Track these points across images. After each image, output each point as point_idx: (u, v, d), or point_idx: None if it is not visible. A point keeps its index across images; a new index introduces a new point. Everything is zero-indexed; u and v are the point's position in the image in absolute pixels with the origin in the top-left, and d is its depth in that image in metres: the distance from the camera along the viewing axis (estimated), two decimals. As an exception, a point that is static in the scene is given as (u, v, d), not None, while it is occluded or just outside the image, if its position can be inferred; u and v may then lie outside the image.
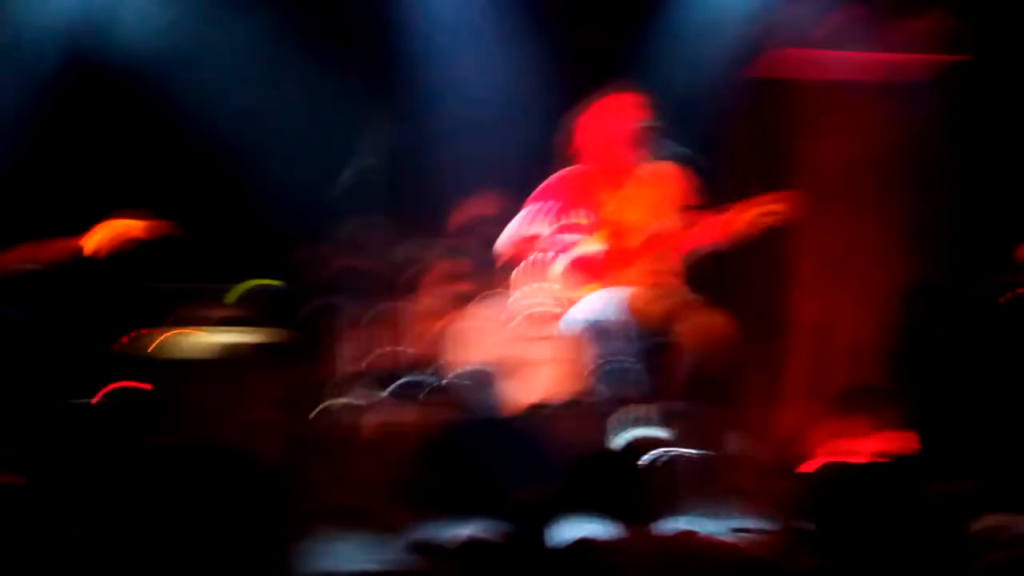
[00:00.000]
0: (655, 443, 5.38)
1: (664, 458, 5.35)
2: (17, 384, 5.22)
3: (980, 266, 7.42)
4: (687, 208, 5.42)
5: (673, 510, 5.13)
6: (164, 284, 6.14)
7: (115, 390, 5.91)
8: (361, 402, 6.86)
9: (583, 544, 3.16)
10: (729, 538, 4.43)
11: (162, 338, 6.06)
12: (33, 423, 5.28)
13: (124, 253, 5.68)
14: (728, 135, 7.78)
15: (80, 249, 5.33)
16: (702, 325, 5.27)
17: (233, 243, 7.17)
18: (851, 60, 7.80)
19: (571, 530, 4.97)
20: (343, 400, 6.90)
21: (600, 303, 5.43)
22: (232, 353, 6.13)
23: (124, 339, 6.05)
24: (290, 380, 6.26)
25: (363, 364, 7.07)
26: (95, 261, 5.95)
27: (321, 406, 6.78)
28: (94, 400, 5.92)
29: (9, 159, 6.35)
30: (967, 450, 6.44)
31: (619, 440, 5.46)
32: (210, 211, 7.34)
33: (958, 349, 7.00)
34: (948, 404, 6.74)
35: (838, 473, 3.15)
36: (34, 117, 6.81)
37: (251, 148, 7.13)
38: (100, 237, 5.33)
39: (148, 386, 5.91)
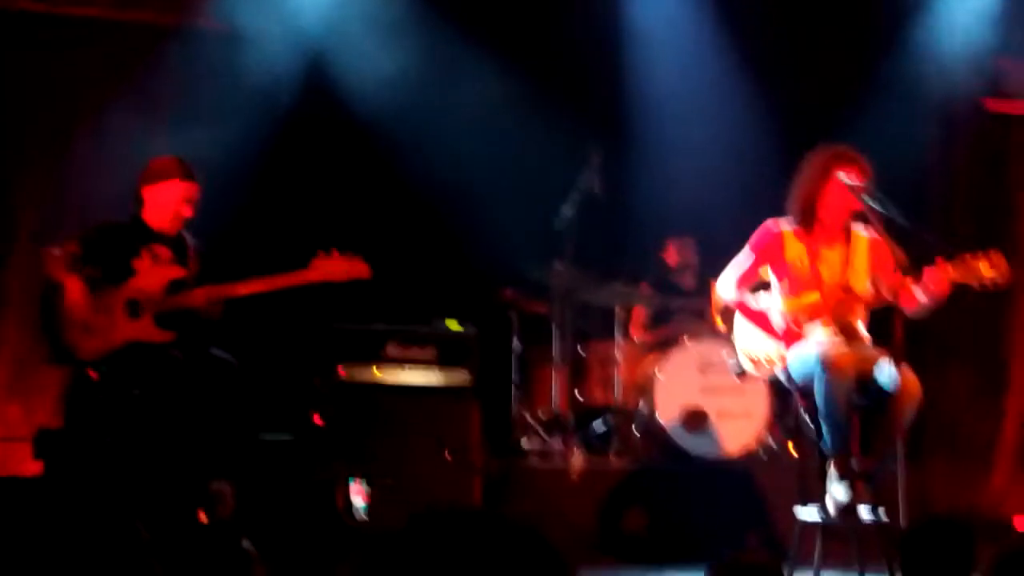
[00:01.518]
0: (856, 503, 5.21)
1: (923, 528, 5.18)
2: (225, 422, 5.32)
3: None
4: (897, 268, 5.26)
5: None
6: (363, 323, 6.21)
7: (314, 426, 5.99)
8: (551, 446, 6.84)
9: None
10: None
11: (360, 376, 6.12)
12: (240, 459, 5.37)
13: (327, 291, 5.76)
14: (944, 194, 7.60)
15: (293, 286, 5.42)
16: (899, 384, 5.09)
17: (433, 284, 7.23)
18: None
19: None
20: (533, 443, 6.89)
21: (802, 358, 5.30)
22: (424, 393, 6.16)
23: (321, 377, 6.12)
24: (481, 422, 6.24)
25: (554, 408, 7.04)
26: (297, 299, 6.07)
27: (511, 448, 6.78)
28: (296, 436, 6.01)
29: (234, 199, 6.52)
30: None
31: (827, 496, 5.28)
32: (413, 253, 7.42)
33: None
34: None
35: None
36: (261, 158, 6.99)
37: (458, 191, 7.18)
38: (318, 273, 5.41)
39: (344, 423, 5.97)
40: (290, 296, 6.20)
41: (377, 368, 6.19)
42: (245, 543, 3.72)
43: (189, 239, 5.54)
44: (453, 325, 6.36)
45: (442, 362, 6.23)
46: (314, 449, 5.92)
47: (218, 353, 5.39)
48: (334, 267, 5.44)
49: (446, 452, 6.04)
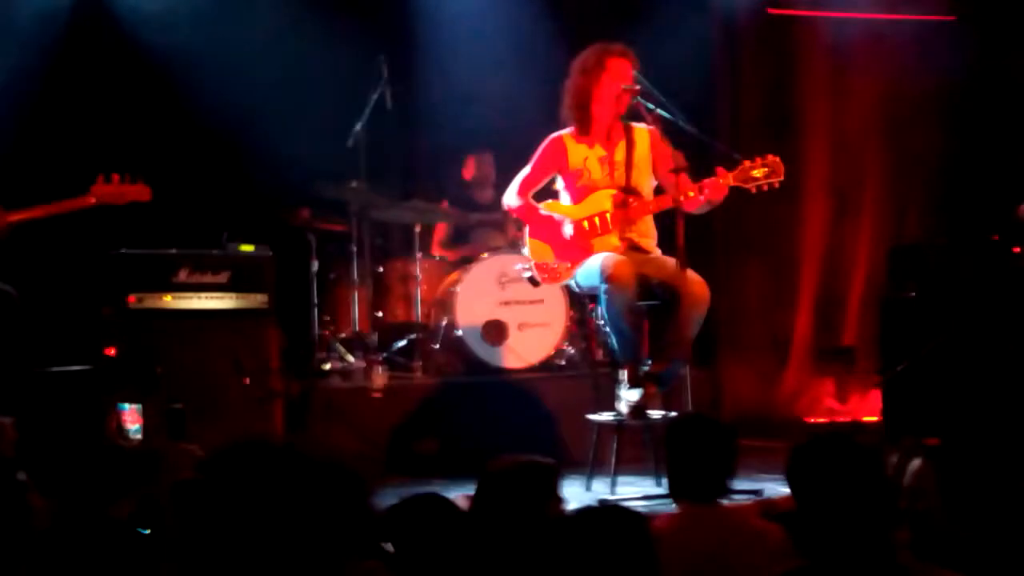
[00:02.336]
0: (647, 406, 5.35)
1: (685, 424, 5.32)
2: (4, 355, 5.15)
3: (976, 225, 7.40)
4: (676, 169, 5.36)
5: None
6: (150, 250, 6.06)
7: (103, 356, 5.84)
8: (352, 365, 6.83)
9: (597, 510, 3.08)
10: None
11: (149, 303, 5.98)
12: (22, 392, 5.22)
13: (114, 217, 5.61)
14: (726, 95, 7.74)
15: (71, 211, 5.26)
16: (685, 288, 5.22)
17: (222, 207, 7.09)
18: (849, 20, 7.75)
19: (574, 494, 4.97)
20: (334, 363, 6.86)
21: (589, 266, 5.38)
22: (223, 318, 6.06)
23: (110, 304, 5.97)
24: (280, 344, 6.18)
25: (355, 328, 7.01)
26: (86, 227, 5.90)
27: (312, 370, 6.74)
28: (85, 367, 5.86)
29: (10, 124, 6.27)
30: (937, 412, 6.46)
31: (616, 403, 5.41)
32: (198, 175, 7.25)
33: (940, 309, 6.98)
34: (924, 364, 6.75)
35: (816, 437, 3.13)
36: (39, 83, 6.71)
37: (246, 112, 7.02)
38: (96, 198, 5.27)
39: (136, 352, 5.84)
40: (79, 224, 6.03)
41: (170, 295, 6.05)
42: (20, 475, 3.61)
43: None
44: (248, 248, 6.25)
45: (237, 286, 6.12)
46: (104, 379, 5.77)
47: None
48: (113, 191, 5.31)
49: (244, 376, 5.97)
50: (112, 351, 5.86)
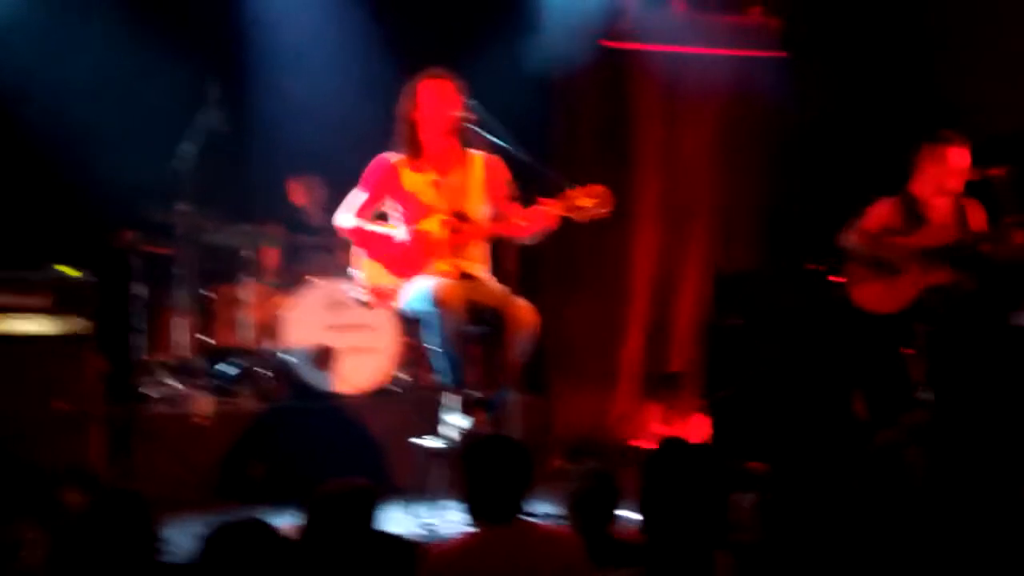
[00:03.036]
0: (476, 431, 5.35)
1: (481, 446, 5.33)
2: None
3: (796, 253, 7.61)
4: (509, 197, 5.40)
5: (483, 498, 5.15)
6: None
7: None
8: (175, 390, 6.68)
9: (404, 540, 3.12)
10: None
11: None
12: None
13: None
14: (560, 125, 7.82)
15: None
16: (514, 314, 5.25)
17: (43, 229, 6.89)
18: (685, 55, 7.91)
19: (393, 521, 4.95)
20: (157, 389, 6.71)
21: (417, 291, 5.37)
22: (36, 342, 5.88)
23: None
24: (98, 369, 6.02)
25: (179, 352, 6.87)
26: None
27: (134, 395, 6.58)
28: None
29: None
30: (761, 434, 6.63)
31: (441, 428, 5.40)
32: (21, 195, 7.04)
33: (764, 336, 7.17)
34: (748, 389, 6.92)
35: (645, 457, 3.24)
36: None
37: (71, 133, 6.84)
38: None
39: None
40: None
41: (-13, 316, 5.85)
42: None
43: None
44: (68, 270, 6.08)
45: (58, 309, 5.94)
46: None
47: None
48: None
49: (57, 402, 5.79)
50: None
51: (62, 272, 6.05)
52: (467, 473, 3.70)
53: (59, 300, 5.93)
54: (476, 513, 3.68)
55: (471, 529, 3.71)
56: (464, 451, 3.89)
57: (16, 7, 6.99)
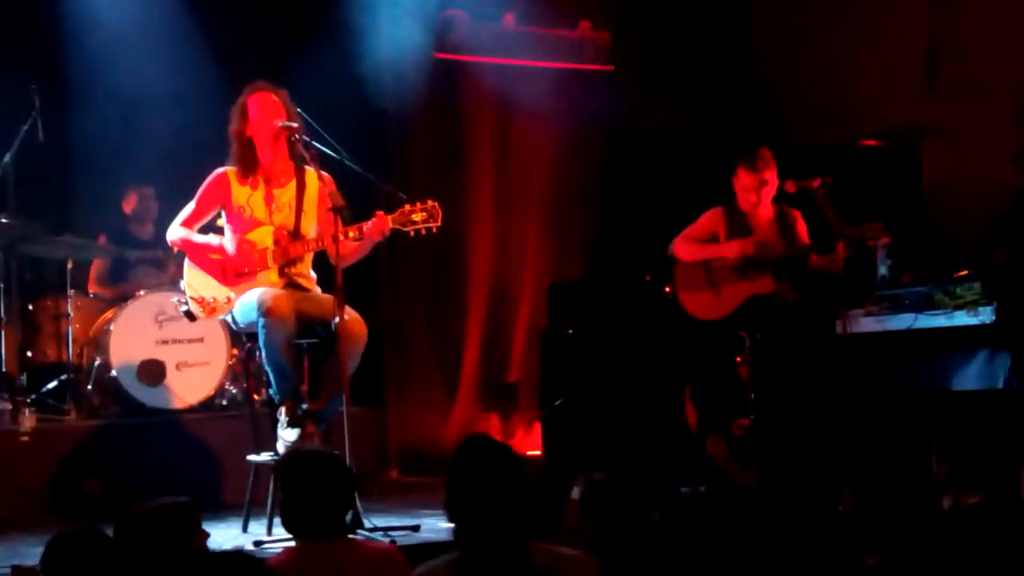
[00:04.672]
0: (301, 444, 5.29)
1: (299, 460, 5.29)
2: None
3: (628, 262, 7.73)
4: (339, 209, 5.37)
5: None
6: None
7: None
8: (3, 408, 6.47)
9: (234, 555, 3.07)
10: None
11: None
12: None
13: None
14: (393, 138, 7.81)
15: None
16: (344, 325, 5.23)
17: None
18: (512, 68, 7.97)
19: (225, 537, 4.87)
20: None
21: (248, 304, 5.30)
22: None
23: None
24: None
25: (4, 367, 6.65)
26: None
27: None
28: None
29: None
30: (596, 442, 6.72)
31: (276, 443, 5.33)
32: None
33: (596, 344, 7.27)
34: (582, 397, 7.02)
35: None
36: None
37: None
38: None
39: None
40: None
41: None
42: None
43: None
44: None
45: None
46: None
47: None
48: None
49: None
50: None
51: None
52: (285, 488, 3.65)
53: None
54: (294, 528, 3.63)
55: (291, 545, 3.68)
56: (283, 465, 3.83)
57: None
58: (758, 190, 6.42)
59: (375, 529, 5.05)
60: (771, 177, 6.43)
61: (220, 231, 5.60)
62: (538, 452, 7.31)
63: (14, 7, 7.21)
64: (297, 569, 3.48)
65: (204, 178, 5.58)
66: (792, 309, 6.36)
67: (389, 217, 5.36)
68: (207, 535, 3.74)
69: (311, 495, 3.57)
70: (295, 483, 3.61)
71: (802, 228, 6.55)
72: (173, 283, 6.87)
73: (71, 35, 7.29)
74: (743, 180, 6.44)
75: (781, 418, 6.13)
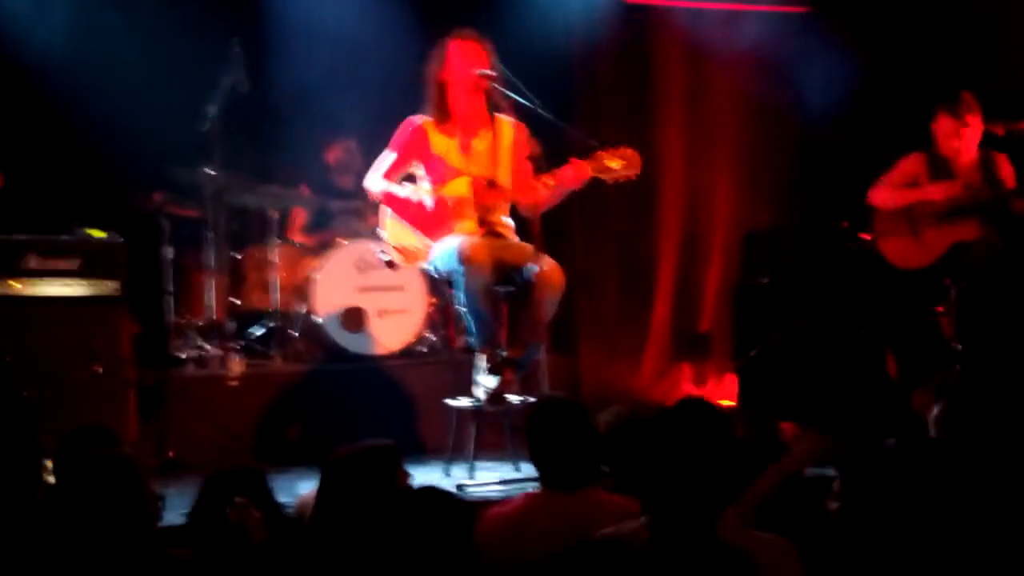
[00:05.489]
0: (505, 392, 5.36)
1: (516, 406, 5.35)
2: None
3: (825, 209, 7.57)
4: (535, 158, 5.39)
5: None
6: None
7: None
8: (208, 353, 6.72)
9: (433, 491, 3.12)
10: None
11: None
12: None
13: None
14: (584, 85, 7.78)
15: None
16: (542, 274, 5.25)
17: (72, 193, 6.92)
18: (703, 11, 7.86)
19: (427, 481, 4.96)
20: (190, 351, 6.74)
21: (446, 251, 5.37)
22: (68, 305, 5.90)
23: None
24: (130, 332, 6.04)
25: (210, 315, 6.90)
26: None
27: (166, 358, 6.61)
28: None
29: None
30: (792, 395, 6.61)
31: (475, 388, 5.41)
32: (49, 160, 7.05)
33: (792, 294, 7.15)
34: (777, 348, 6.90)
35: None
36: None
37: (97, 96, 6.83)
38: None
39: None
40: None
41: (18, 281, 5.88)
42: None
43: None
44: (99, 234, 6.11)
45: (88, 272, 5.96)
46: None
47: None
48: None
49: (95, 365, 5.83)
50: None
51: (91, 235, 6.07)
52: (533, 438, 3.70)
53: (89, 263, 5.96)
54: (543, 477, 3.67)
55: (530, 490, 3.73)
56: (531, 416, 3.86)
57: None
58: (961, 135, 6.23)
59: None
60: (974, 122, 6.23)
61: (413, 179, 5.68)
62: (732, 403, 7.25)
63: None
64: (537, 515, 3.52)
65: (400, 126, 5.66)
66: (998, 255, 6.16)
67: (587, 164, 5.35)
68: (410, 475, 3.82)
69: (561, 444, 3.60)
70: (543, 433, 3.66)
71: (1007, 172, 6.32)
72: (373, 232, 7.01)
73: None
74: (944, 126, 6.26)
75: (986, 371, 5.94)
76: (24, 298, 5.86)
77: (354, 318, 6.80)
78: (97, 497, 3.18)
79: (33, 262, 5.90)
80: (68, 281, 5.94)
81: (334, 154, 7.77)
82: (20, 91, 7.03)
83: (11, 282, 5.85)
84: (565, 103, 7.11)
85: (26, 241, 5.91)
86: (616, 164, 5.36)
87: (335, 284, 6.80)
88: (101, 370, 5.84)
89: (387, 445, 3.68)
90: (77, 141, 7.05)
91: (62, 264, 5.95)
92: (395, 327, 6.84)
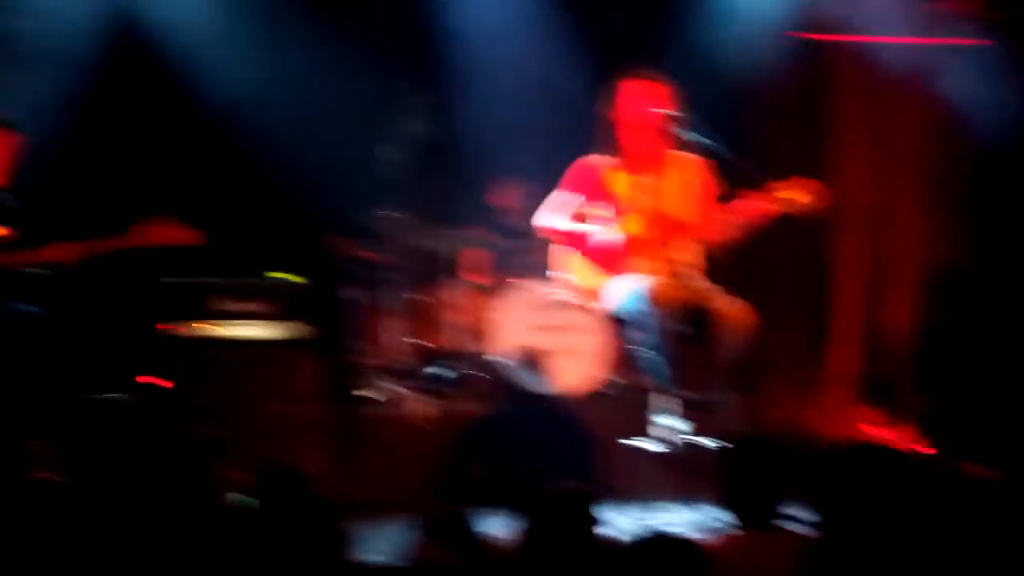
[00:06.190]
0: (684, 433, 5.31)
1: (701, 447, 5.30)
2: (45, 380, 5.16)
3: (1011, 248, 7.35)
4: (714, 196, 5.35)
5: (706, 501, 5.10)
6: (189, 278, 6.08)
7: (142, 384, 5.85)
8: (391, 393, 6.81)
9: (658, 540, 3.08)
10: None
11: (188, 332, 6.00)
12: (64, 419, 5.23)
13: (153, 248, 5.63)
14: (759, 122, 7.71)
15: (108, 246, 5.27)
16: (727, 314, 5.20)
17: (259, 236, 7.12)
18: (885, 45, 7.72)
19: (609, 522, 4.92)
20: (373, 392, 6.85)
21: (627, 292, 5.36)
22: (258, 347, 6.06)
23: (152, 333, 5.98)
24: (317, 373, 6.17)
25: (392, 355, 7.00)
26: (121, 256, 5.92)
27: (351, 398, 6.73)
28: (122, 394, 5.85)
29: (44, 151, 6.34)
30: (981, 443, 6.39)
31: (652, 429, 5.38)
32: (236, 204, 7.28)
33: (982, 338, 6.93)
34: (966, 397, 6.69)
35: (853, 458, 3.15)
36: (69, 107, 6.78)
37: (283, 141, 7.06)
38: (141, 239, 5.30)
39: (172, 382, 5.85)
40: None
41: (210, 323, 6.06)
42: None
43: (10, 200, 5.36)
44: (285, 276, 6.26)
45: (276, 314, 6.12)
46: (146, 408, 5.77)
47: (23, 307, 5.22)
48: (158, 234, 5.34)
49: (285, 405, 5.96)
50: (152, 379, 5.87)
51: (280, 278, 6.23)
52: (728, 476, 3.67)
53: (278, 306, 6.11)
54: (737, 516, 3.63)
55: (726, 531, 3.68)
56: (727, 452, 3.83)
57: (230, 21, 7.25)
58: None
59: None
60: None
61: (585, 218, 5.69)
62: (919, 447, 7.05)
63: (401, 12, 7.58)
64: (745, 556, 3.48)
65: (573, 166, 5.68)
66: None
67: (768, 198, 5.29)
68: (598, 521, 3.79)
69: (756, 483, 3.57)
70: (740, 470, 3.63)
71: None
72: (548, 271, 7.04)
73: (449, 32, 7.61)
74: None
75: None
76: (217, 340, 6.04)
77: (532, 358, 6.80)
78: (292, 537, 3.23)
79: (225, 304, 6.08)
80: (258, 323, 6.10)
81: (507, 194, 7.84)
82: (215, 140, 7.28)
83: (203, 324, 6.03)
84: (743, 139, 7.06)
85: (219, 284, 6.09)
86: (799, 197, 5.29)
87: (514, 324, 6.81)
88: (290, 410, 5.97)
89: (584, 488, 3.67)
90: (267, 186, 7.26)
91: (252, 306, 6.11)
92: (574, 367, 6.82)
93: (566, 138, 6.84)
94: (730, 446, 4.03)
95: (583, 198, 5.67)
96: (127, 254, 5.42)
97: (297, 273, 6.26)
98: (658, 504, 5.39)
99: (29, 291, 5.35)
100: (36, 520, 4.00)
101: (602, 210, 5.61)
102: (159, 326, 5.98)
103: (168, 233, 5.35)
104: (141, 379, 5.88)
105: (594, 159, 5.63)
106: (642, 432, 5.56)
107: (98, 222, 5.35)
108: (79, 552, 3.51)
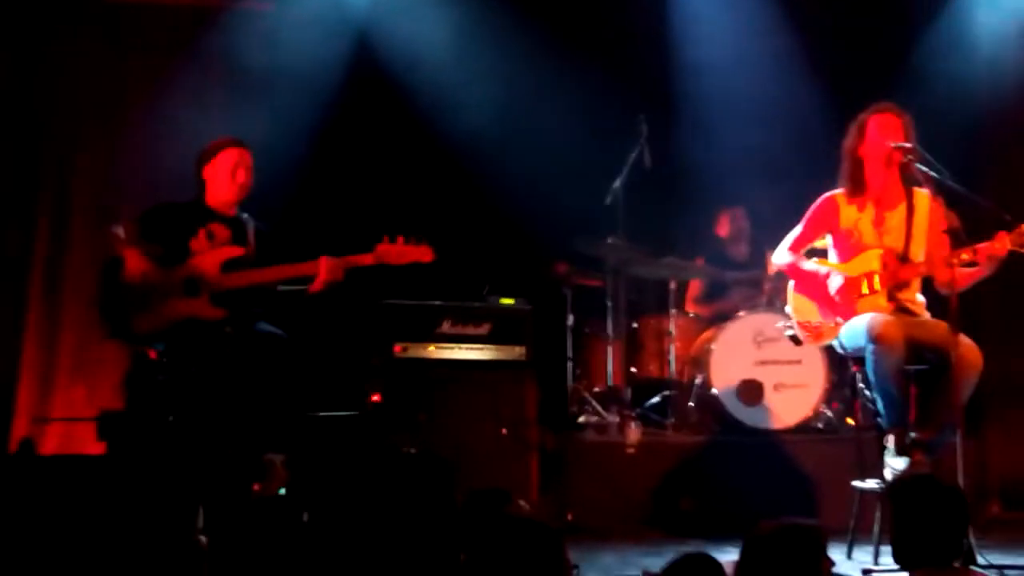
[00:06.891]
0: (912, 472, 5.16)
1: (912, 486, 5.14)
2: (282, 398, 5.36)
3: None
4: (953, 232, 5.19)
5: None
6: (417, 300, 6.24)
7: (371, 403, 6.02)
8: (607, 421, 6.85)
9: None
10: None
11: (414, 352, 6.15)
12: (293, 432, 5.42)
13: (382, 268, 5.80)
14: (994, 156, 7.47)
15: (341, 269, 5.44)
16: (958, 353, 5.04)
17: (486, 261, 7.26)
18: None
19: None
20: (589, 418, 6.90)
21: (858, 329, 5.25)
22: (484, 369, 6.17)
23: (377, 353, 6.15)
24: (537, 397, 6.25)
25: (611, 383, 7.03)
26: (351, 276, 6.11)
27: (568, 423, 6.79)
28: (353, 412, 6.04)
29: (290, 178, 6.60)
30: None
31: (883, 470, 5.24)
32: (465, 229, 7.44)
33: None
34: None
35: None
36: (313, 136, 7.07)
37: (508, 170, 7.21)
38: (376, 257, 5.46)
39: (400, 399, 6.01)
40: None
41: (433, 345, 6.21)
42: (304, 517, 3.78)
43: (250, 220, 5.58)
44: (508, 301, 6.37)
45: (497, 338, 6.24)
46: (372, 426, 5.95)
47: (266, 328, 5.44)
48: (396, 251, 5.49)
49: (501, 427, 6.06)
50: (378, 398, 6.04)
51: (501, 302, 6.34)
52: (896, 514, 3.59)
53: (498, 329, 6.23)
54: (904, 556, 3.55)
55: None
56: (894, 491, 3.74)
57: (468, 51, 7.43)
58: None
59: (990, 567, 4.84)
60: None
61: (822, 254, 5.60)
62: None
63: (625, 36, 7.64)
64: None
65: (804, 197, 5.61)
66: None
67: (1007, 237, 5.12)
68: (833, 563, 3.72)
69: (924, 522, 3.49)
70: (907, 509, 3.54)
71: None
72: (770, 304, 6.98)
73: (678, 67, 7.63)
74: None
75: None
76: (438, 361, 6.18)
77: (751, 391, 6.75)
78: (517, 562, 3.26)
79: (447, 327, 6.22)
80: (478, 346, 6.22)
81: (726, 225, 7.81)
82: (448, 165, 7.49)
83: (427, 346, 6.18)
84: (978, 176, 6.86)
85: (441, 307, 6.24)
86: (1024, 237, 5.10)
87: (732, 356, 6.79)
88: (506, 432, 6.06)
89: (814, 526, 3.61)
90: (492, 213, 7.41)
91: (473, 329, 6.24)
92: (792, 402, 6.75)
93: (795, 171, 6.80)
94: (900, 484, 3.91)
95: (819, 232, 5.58)
96: (361, 274, 5.56)
97: (520, 298, 6.36)
98: (878, 545, 5.26)
99: (271, 311, 5.54)
100: (264, 531, 4.15)
101: (837, 244, 5.52)
102: (390, 347, 6.14)
103: (409, 251, 5.49)
104: (371, 398, 6.05)
105: (834, 193, 5.54)
106: (865, 470, 5.44)
107: (338, 243, 5.51)
108: (306, 563, 3.62)
